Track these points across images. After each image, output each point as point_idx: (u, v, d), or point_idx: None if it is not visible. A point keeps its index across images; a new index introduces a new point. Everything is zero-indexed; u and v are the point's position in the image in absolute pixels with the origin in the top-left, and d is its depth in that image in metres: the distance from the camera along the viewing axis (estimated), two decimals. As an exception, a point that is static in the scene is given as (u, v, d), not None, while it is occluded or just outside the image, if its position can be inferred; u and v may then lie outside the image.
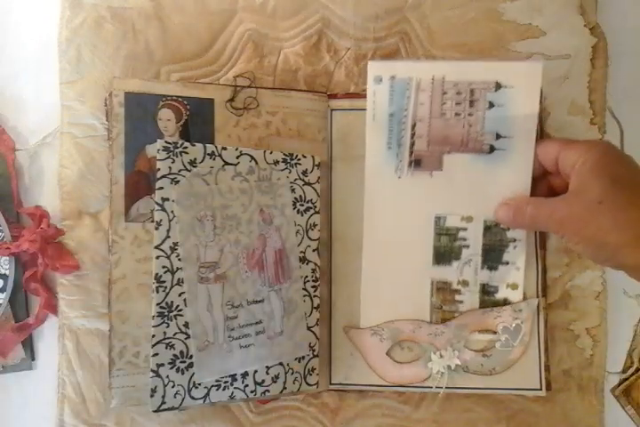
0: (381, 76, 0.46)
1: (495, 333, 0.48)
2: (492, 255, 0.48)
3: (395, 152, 0.47)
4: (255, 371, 0.46)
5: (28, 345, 0.51)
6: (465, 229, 0.48)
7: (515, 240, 0.47)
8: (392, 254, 0.49)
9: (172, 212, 0.44)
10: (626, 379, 0.49)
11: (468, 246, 0.48)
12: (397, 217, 0.48)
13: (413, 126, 0.46)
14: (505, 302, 0.48)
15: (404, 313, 0.49)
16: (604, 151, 0.38)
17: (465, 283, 0.48)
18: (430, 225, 0.48)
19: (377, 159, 0.47)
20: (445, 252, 0.48)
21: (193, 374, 0.44)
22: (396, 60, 0.48)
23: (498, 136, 0.46)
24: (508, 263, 0.48)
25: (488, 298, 0.48)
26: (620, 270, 0.40)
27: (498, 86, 0.45)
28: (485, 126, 0.46)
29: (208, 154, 0.45)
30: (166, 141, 0.44)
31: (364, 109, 0.47)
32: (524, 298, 0.48)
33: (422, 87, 0.45)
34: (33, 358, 0.51)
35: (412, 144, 0.47)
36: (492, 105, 0.45)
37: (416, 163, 0.47)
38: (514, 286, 0.48)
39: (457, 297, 0.48)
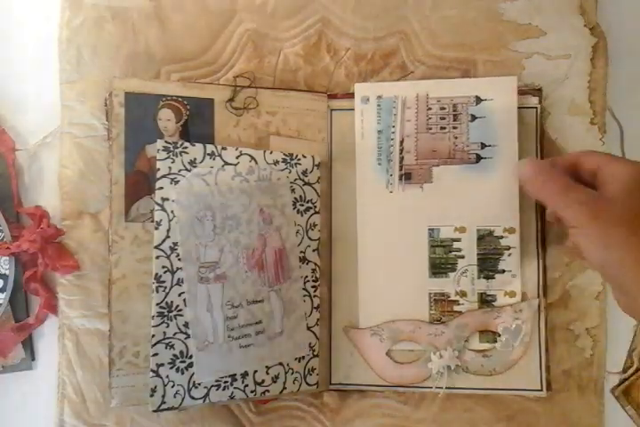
0: (368, 96, 0.49)
1: (495, 334, 0.48)
2: (488, 264, 0.48)
3: (385, 168, 0.49)
4: (255, 371, 0.46)
5: (28, 345, 0.51)
6: (459, 240, 0.48)
7: (509, 248, 0.48)
8: (388, 268, 0.49)
9: (172, 212, 0.44)
10: (626, 379, 0.49)
11: (463, 257, 0.48)
12: (391, 231, 0.49)
13: (401, 142, 0.48)
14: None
15: (400, 317, 0.49)
16: None
17: (463, 293, 0.48)
18: (424, 237, 0.49)
19: (368, 175, 0.49)
20: (441, 263, 0.48)
21: (193, 374, 0.44)
22: (380, 82, 0.50)
23: (483, 146, 0.48)
24: (504, 271, 0.48)
25: (487, 307, 0.49)
26: (607, 280, 0.41)
27: (478, 100, 0.48)
28: (470, 137, 0.48)
29: (208, 154, 0.45)
30: (166, 141, 0.44)
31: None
32: (525, 298, 0.48)
33: (408, 104, 0.48)
34: (33, 358, 0.51)
35: (402, 159, 0.48)
36: (474, 117, 0.48)
37: (406, 177, 0.48)
38: (512, 294, 0.48)
39: (455, 308, 0.49)
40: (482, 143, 0.48)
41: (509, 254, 0.48)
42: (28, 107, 0.52)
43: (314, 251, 0.49)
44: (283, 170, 0.48)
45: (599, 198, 0.38)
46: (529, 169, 0.42)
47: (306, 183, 0.49)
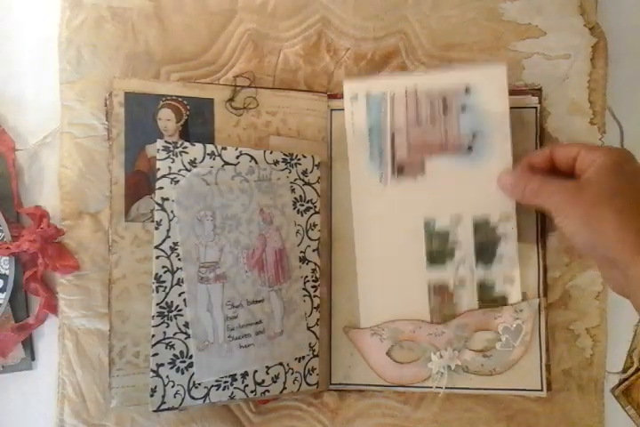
0: (357, 93, 0.48)
1: (496, 332, 0.48)
2: (485, 252, 0.48)
3: (377, 162, 0.49)
4: (255, 371, 0.46)
5: (28, 345, 0.51)
6: (455, 230, 0.48)
7: (505, 235, 0.48)
8: (386, 261, 0.49)
9: (172, 212, 0.44)
10: (626, 379, 0.49)
11: (460, 246, 0.48)
12: (387, 224, 0.49)
13: (392, 137, 0.48)
14: (504, 297, 0.48)
15: (401, 311, 0.49)
16: (626, 156, 0.40)
17: (462, 282, 0.48)
18: (420, 229, 0.48)
19: (361, 171, 0.49)
20: (438, 254, 0.48)
21: (193, 374, 0.44)
22: (369, 78, 0.50)
23: (474, 135, 0.47)
24: (502, 258, 0.48)
25: (486, 295, 0.48)
26: (599, 262, 0.42)
27: (467, 90, 0.47)
28: (461, 128, 0.48)
29: (208, 154, 0.45)
30: (166, 141, 0.44)
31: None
32: (525, 298, 0.48)
33: (397, 100, 0.48)
34: (33, 358, 0.51)
35: (393, 153, 0.48)
36: (464, 108, 0.47)
37: (399, 170, 0.48)
38: (510, 281, 0.48)
39: (455, 298, 0.49)
40: (473, 133, 0.47)
41: (506, 241, 0.48)
42: (28, 107, 0.52)
43: (314, 251, 0.49)
44: (283, 170, 0.48)
45: (576, 184, 0.40)
46: (507, 179, 0.45)
47: (306, 183, 0.49)
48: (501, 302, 0.48)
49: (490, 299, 0.48)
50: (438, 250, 0.48)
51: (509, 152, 0.47)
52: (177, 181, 0.44)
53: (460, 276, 0.48)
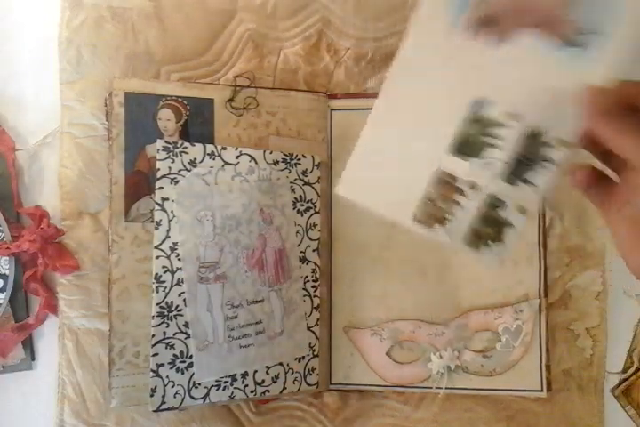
0: None
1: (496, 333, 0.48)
2: (518, 169, 0.38)
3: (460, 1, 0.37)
4: (255, 371, 0.46)
5: (28, 345, 0.51)
6: (502, 126, 0.38)
7: (550, 160, 0.38)
8: (406, 119, 0.39)
9: (172, 212, 0.44)
10: (626, 379, 0.49)
11: (496, 147, 0.38)
12: (430, 81, 0.39)
13: None
14: (504, 224, 0.40)
15: (390, 190, 0.40)
16: None
17: (473, 185, 0.39)
18: (464, 106, 0.38)
19: (436, 4, 0.37)
20: (469, 143, 0.39)
21: (193, 374, 0.44)
22: None
23: (589, 30, 0.36)
24: (527, 182, 0.38)
25: (489, 212, 0.39)
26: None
27: None
28: (584, 16, 0.36)
29: (208, 154, 0.45)
30: (166, 141, 0.44)
31: (364, 109, 0.46)
32: (525, 298, 0.48)
33: None
34: (33, 358, 0.51)
35: None
36: None
37: (482, 23, 0.37)
38: (522, 210, 0.39)
39: (456, 197, 0.39)
40: (593, 29, 0.36)
41: (545, 167, 0.38)
42: (28, 107, 0.52)
43: (314, 251, 0.49)
44: (283, 170, 0.48)
45: None
46: (597, 102, 0.34)
47: (306, 183, 0.49)
48: (499, 226, 0.39)
49: (491, 217, 0.39)
50: (470, 139, 0.38)
51: (619, 68, 0.35)
52: (177, 181, 0.44)
53: (475, 178, 0.39)
